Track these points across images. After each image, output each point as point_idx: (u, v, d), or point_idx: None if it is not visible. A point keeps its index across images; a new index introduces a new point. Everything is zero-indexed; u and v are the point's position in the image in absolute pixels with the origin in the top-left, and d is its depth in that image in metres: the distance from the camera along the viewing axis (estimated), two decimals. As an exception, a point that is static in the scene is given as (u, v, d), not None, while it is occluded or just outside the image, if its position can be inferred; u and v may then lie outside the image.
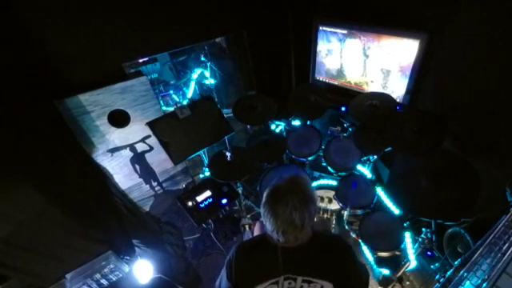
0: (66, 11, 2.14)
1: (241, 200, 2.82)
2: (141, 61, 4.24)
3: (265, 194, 1.06)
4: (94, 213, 2.19)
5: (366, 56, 2.66)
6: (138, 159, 2.96)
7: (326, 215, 2.62)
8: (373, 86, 2.76)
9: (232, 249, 1.22)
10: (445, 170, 1.93)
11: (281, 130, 3.24)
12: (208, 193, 2.63)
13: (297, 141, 2.84)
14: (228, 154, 2.48)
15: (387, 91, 2.59)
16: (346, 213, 2.51)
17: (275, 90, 3.43)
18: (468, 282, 1.27)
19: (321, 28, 2.87)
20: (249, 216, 2.87)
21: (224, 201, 2.58)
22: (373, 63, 2.65)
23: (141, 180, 3.09)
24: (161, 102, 4.45)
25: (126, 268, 2.19)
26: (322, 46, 2.97)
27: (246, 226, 2.47)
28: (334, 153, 2.67)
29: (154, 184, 3.23)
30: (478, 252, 1.33)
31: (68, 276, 1.99)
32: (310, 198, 1.02)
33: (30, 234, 1.73)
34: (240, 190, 2.71)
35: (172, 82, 5.06)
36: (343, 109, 2.82)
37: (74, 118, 2.39)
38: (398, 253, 2.20)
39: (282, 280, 1.10)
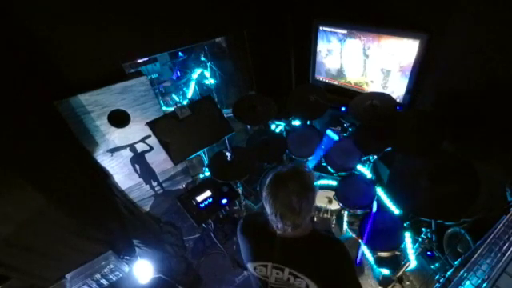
0: (66, 11, 2.14)
1: (241, 200, 2.82)
2: (141, 61, 4.24)
3: (267, 179, 1.09)
4: (94, 213, 2.18)
5: (366, 56, 2.66)
6: (138, 159, 2.96)
7: (326, 215, 2.62)
8: (373, 86, 2.76)
9: (240, 220, 1.29)
10: (445, 170, 1.93)
11: (281, 130, 3.24)
12: (208, 193, 2.63)
13: (297, 141, 2.84)
14: (228, 154, 2.48)
15: (387, 91, 2.59)
16: (345, 213, 2.51)
17: (275, 89, 3.43)
18: (468, 282, 1.27)
19: (321, 28, 2.87)
20: (249, 216, 2.86)
21: (224, 201, 2.58)
22: (373, 63, 2.65)
23: (141, 180, 3.09)
24: (161, 101, 4.45)
25: (126, 268, 2.19)
26: (322, 46, 2.97)
27: (246, 226, 2.47)
28: (334, 153, 2.67)
29: (154, 184, 3.23)
30: (478, 252, 1.33)
31: (68, 276, 1.99)
32: (309, 186, 1.05)
33: (30, 233, 1.73)
34: (240, 190, 2.71)
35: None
36: (343, 109, 2.82)
37: (74, 118, 2.39)
38: (398, 253, 2.20)
39: (270, 266, 1.13)
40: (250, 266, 1.19)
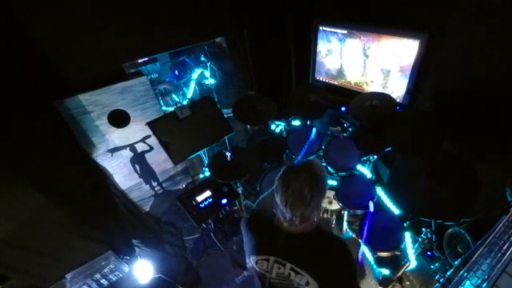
0: (66, 11, 2.14)
1: (241, 200, 2.82)
2: (141, 61, 4.24)
3: (280, 171, 1.11)
4: (94, 213, 2.19)
5: (366, 56, 2.66)
6: (138, 159, 2.95)
7: (326, 215, 2.62)
8: (373, 86, 2.76)
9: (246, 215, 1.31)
10: (445, 169, 1.93)
11: (281, 130, 3.24)
12: (208, 193, 2.63)
13: (297, 141, 2.84)
14: (228, 154, 2.48)
15: (387, 91, 2.59)
16: (345, 213, 2.51)
17: (275, 89, 3.43)
18: (468, 282, 1.27)
19: (321, 28, 2.87)
20: (249, 216, 2.86)
21: (224, 201, 2.58)
22: (373, 63, 2.65)
23: (141, 180, 3.09)
24: (161, 101, 4.45)
25: (126, 268, 2.19)
26: (322, 46, 2.97)
27: (246, 226, 2.47)
28: (334, 153, 2.67)
29: (154, 184, 3.23)
30: (478, 252, 1.33)
31: (68, 276, 1.99)
32: (321, 178, 1.07)
33: (30, 234, 1.73)
34: (240, 190, 2.71)
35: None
36: (343, 109, 2.82)
37: (74, 118, 2.38)
38: (398, 253, 2.20)
39: (272, 260, 1.14)
40: (252, 259, 1.20)
